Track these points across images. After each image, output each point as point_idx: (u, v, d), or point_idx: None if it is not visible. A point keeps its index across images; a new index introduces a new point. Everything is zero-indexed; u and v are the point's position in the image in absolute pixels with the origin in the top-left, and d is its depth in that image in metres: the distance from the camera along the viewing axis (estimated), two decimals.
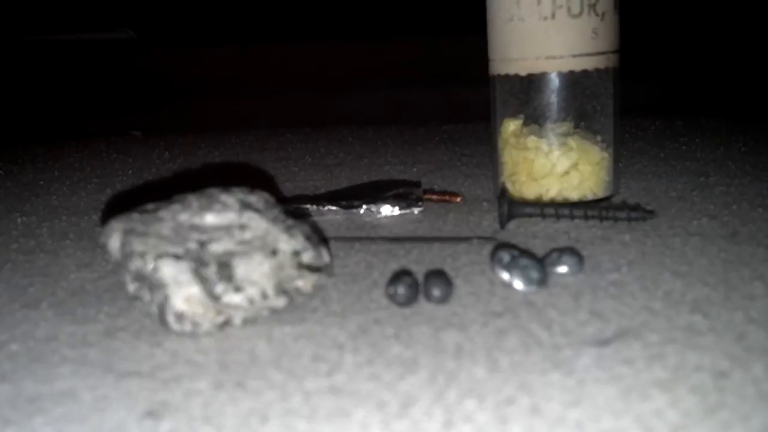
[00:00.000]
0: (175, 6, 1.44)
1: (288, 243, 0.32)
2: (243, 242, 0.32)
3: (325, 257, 0.34)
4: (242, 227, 0.32)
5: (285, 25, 1.45)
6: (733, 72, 1.11)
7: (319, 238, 0.35)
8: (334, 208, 0.49)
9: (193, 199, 0.33)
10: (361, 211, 0.49)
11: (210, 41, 1.32)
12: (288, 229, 0.33)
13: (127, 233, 0.31)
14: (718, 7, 1.14)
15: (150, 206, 0.33)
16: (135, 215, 0.32)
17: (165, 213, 0.32)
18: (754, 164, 0.59)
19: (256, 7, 1.46)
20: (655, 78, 1.13)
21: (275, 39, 1.35)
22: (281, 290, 0.31)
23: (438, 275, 0.33)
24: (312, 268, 0.33)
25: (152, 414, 0.23)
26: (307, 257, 0.33)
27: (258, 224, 0.32)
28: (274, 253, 0.32)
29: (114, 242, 0.31)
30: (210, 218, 0.32)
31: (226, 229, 0.32)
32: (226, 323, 0.30)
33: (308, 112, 1.15)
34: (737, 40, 1.14)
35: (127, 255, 0.30)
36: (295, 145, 0.84)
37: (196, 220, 0.32)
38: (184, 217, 0.32)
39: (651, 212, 0.43)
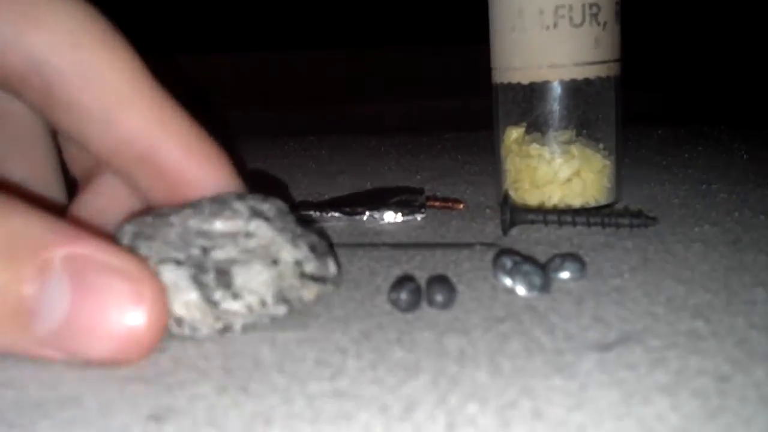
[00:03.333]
0: (177, 15, 1.45)
1: (290, 253, 0.32)
2: (246, 250, 0.32)
3: (331, 268, 0.34)
4: (248, 235, 0.32)
5: (287, 33, 1.45)
6: (735, 81, 1.11)
7: (326, 248, 0.35)
8: (337, 214, 0.50)
9: (206, 205, 0.33)
10: (364, 217, 0.49)
11: (211, 49, 1.33)
12: (293, 239, 0.33)
13: (136, 236, 0.31)
14: (719, 18, 1.15)
15: (165, 210, 0.33)
16: (148, 219, 0.32)
17: (176, 218, 0.32)
18: (756, 172, 0.59)
19: (258, 16, 1.47)
20: (658, 87, 1.13)
21: (278, 48, 1.36)
22: (281, 299, 0.31)
23: (441, 281, 0.33)
24: (315, 278, 0.33)
25: (156, 418, 0.24)
26: (310, 267, 0.33)
27: (264, 233, 0.32)
28: (275, 262, 0.32)
29: (124, 245, 0.31)
30: (218, 225, 0.32)
31: (232, 237, 0.32)
32: (226, 329, 0.30)
33: (312, 121, 1.16)
34: (739, 49, 1.14)
35: None
36: (299, 152, 0.85)
37: (205, 226, 0.32)
38: (193, 222, 0.32)
39: (653, 219, 0.43)
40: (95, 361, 0.27)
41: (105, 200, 0.36)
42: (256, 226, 0.33)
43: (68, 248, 0.26)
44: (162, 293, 0.28)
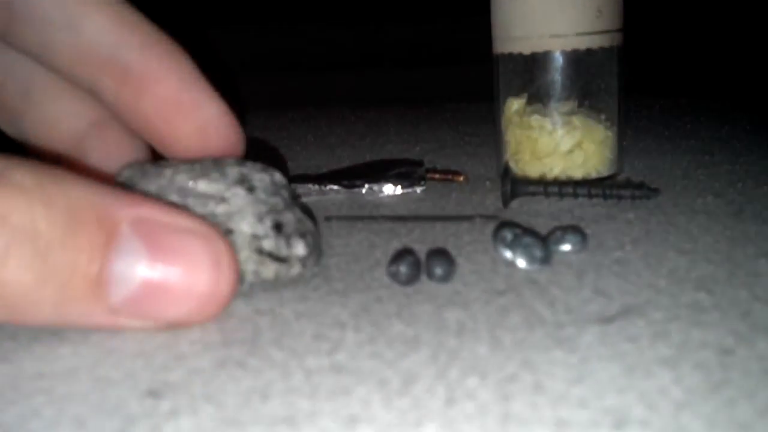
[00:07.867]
0: None
1: (250, 226, 0.32)
2: (210, 215, 0.31)
3: (299, 249, 0.33)
4: (222, 200, 0.32)
5: (286, 5, 1.44)
6: (738, 57, 1.10)
7: (303, 228, 0.34)
8: (336, 187, 0.49)
9: (201, 164, 0.33)
10: (363, 190, 0.49)
11: (210, 21, 1.32)
12: (262, 214, 0.32)
13: (125, 182, 0.31)
14: None
15: (167, 162, 0.33)
16: (147, 167, 0.32)
17: (169, 170, 0.32)
18: (759, 143, 0.58)
19: None
20: (662, 59, 1.12)
21: (277, 19, 1.34)
22: None
23: (440, 254, 0.32)
24: (274, 257, 0.32)
25: (153, 393, 0.23)
26: (268, 245, 0.32)
27: (236, 202, 0.32)
28: (229, 232, 0.31)
29: None
30: (201, 185, 0.32)
31: (206, 199, 0.31)
32: None
33: (310, 92, 1.15)
34: (743, 24, 1.13)
35: None
36: (297, 124, 0.84)
37: (190, 184, 0.31)
38: (180, 178, 0.31)
39: (655, 190, 0.43)
40: (170, 324, 0.27)
41: (109, 151, 0.36)
42: (233, 193, 0.32)
43: (134, 213, 0.26)
44: (232, 252, 0.27)
